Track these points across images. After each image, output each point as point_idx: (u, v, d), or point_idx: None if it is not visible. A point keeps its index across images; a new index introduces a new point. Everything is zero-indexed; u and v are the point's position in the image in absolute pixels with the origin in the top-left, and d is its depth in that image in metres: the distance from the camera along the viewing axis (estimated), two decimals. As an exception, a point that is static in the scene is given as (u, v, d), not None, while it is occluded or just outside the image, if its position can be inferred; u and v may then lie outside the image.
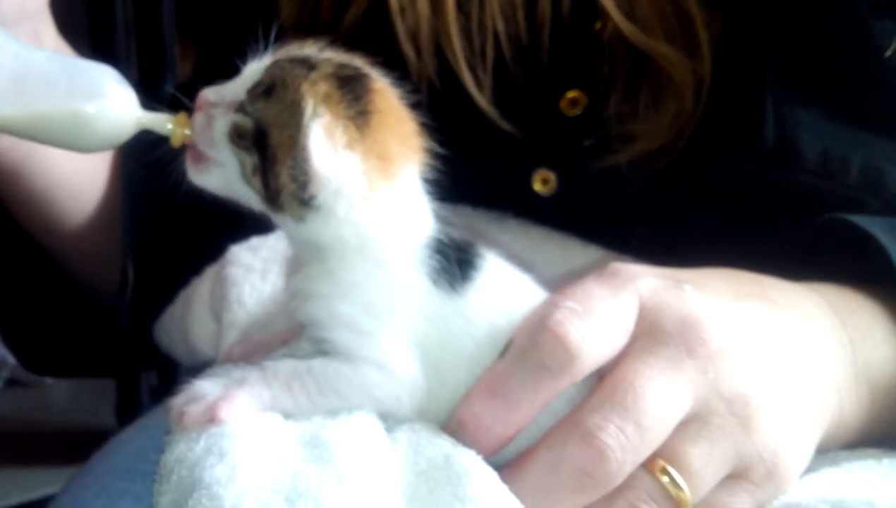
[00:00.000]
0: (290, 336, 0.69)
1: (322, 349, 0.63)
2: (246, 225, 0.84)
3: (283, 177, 0.60)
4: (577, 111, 0.89)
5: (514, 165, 0.91)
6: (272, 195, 0.61)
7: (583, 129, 0.88)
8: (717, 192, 0.85)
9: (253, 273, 0.83)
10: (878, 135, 0.84)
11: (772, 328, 0.67)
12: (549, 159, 0.91)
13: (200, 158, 0.64)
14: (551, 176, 0.90)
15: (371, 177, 0.61)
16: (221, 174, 0.64)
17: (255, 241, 0.87)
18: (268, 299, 0.81)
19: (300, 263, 0.66)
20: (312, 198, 0.60)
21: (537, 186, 0.91)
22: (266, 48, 0.64)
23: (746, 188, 0.85)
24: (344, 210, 0.61)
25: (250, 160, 0.62)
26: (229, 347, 0.74)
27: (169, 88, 1.08)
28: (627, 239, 0.87)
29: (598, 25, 0.89)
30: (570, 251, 0.87)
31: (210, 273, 0.90)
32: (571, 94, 0.90)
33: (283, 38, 0.65)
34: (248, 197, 0.63)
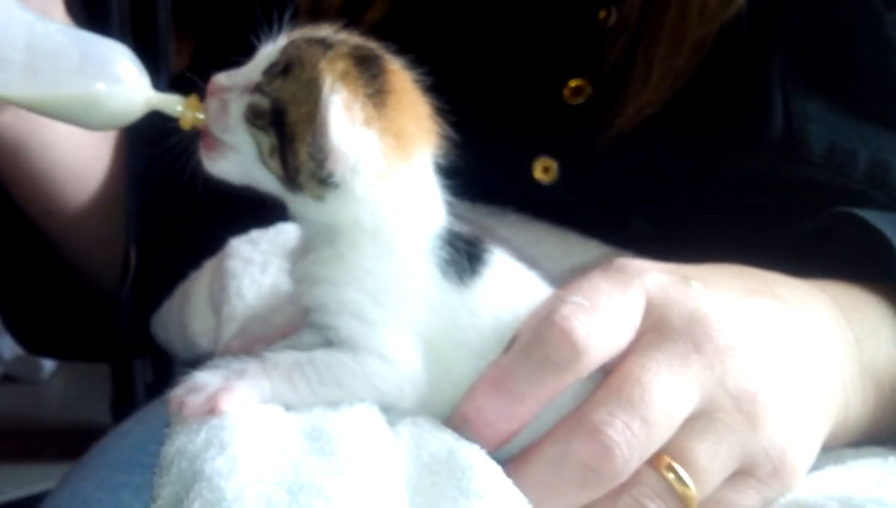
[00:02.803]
0: (289, 329, 0.68)
1: (325, 335, 0.63)
2: (245, 218, 0.83)
3: (302, 154, 0.60)
4: (580, 99, 0.89)
5: (515, 153, 0.90)
6: (291, 174, 0.61)
7: (586, 118, 0.87)
8: (722, 184, 0.85)
9: (252, 266, 0.83)
10: (886, 129, 0.83)
11: (778, 325, 0.66)
12: (550, 147, 0.90)
13: (214, 145, 0.64)
14: (553, 164, 0.90)
15: (387, 156, 0.61)
16: (236, 159, 0.63)
17: (255, 234, 0.87)
18: (267, 292, 0.81)
19: (309, 247, 0.65)
20: (330, 175, 0.60)
21: (538, 174, 0.90)
22: (279, 32, 0.64)
23: (751, 179, 0.84)
24: (361, 188, 0.61)
25: (268, 140, 0.61)
26: (228, 341, 0.73)
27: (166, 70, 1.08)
28: (627, 230, 0.87)
29: (602, 14, 0.88)
30: (570, 246, 0.86)
31: (209, 266, 0.90)
32: (574, 83, 0.89)
33: (293, 24, 0.65)
34: (265, 180, 0.63)
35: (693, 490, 0.60)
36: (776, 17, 0.84)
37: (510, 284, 0.65)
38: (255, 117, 0.62)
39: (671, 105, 0.85)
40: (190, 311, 0.89)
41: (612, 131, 0.86)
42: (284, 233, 0.85)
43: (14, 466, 2.34)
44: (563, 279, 0.66)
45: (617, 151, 0.87)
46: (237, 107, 0.62)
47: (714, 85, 0.85)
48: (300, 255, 0.66)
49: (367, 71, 0.61)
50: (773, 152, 0.83)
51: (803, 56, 0.83)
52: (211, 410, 0.59)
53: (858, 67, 0.84)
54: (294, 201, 0.64)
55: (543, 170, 0.90)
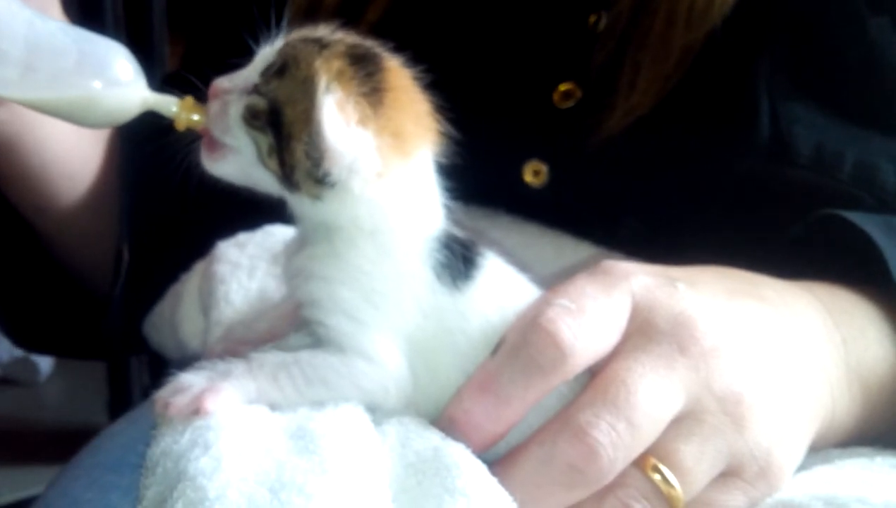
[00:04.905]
0: (273, 336, 0.68)
1: (315, 331, 0.63)
2: (234, 219, 0.84)
3: (298, 154, 0.61)
4: (570, 103, 0.89)
5: (505, 156, 0.91)
6: (288, 174, 0.61)
7: (575, 122, 0.88)
8: (711, 186, 0.85)
9: (240, 270, 0.83)
10: (873, 130, 0.84)
11: (765, 326, 0.67)
12: (540, 151, 0.90)
13: (215, 146, 0.64)
14: (543, 167, 0.90)
15: (385, 155, 0.61)
16: (237, 160, 0.64)
17: (242, 237, 0.87)
18: (255, 297, 0.81)
19: (305, 242, 0.66)
20: (327, 174, 0.61)
21: (528, 178, 0.91)
22: (276, 34, 0.64)
23: (740, 182, 0.84)
24: (359, 186, 0.61)
25: (266, 140, 0.62)
26: (212, 345, 0.73)
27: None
28: (617, 232, 0.87)
29: (592, 18, 0.89)
30: (561, 248, 0.87)
31: (199, 268, 0.90)
32: (564, 87, 0.90)
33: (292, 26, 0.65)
34: (265, 181, 0.63)
35: (679, 491, 0.60)
36: (763, 21, 0.84)
37: (501, 288, 0.65)
38: (252, 118, 0.62)
39: (659, 109, 0.85)
40: (181, 314, 0.89)
41: (601, 135, 0.86)
42: (272, 236, 0.85)
43: (11, 469, 2.34)
44: (555, 281, 0.66)
45: (606, 155, 0.87)
46: (236, 108, 0.63)
47: (702, 88, 0.85)
48: (296, 250, 0.66)
49: (364, 69, 0.61)
50: (761, 154, 0.83)
51: (790, 59, 0.84)
52: (196, 411, 0.59)
53: (844, 70, 0.84)
54: (293, 201, 0.64)
55: (534, 174, 0.91)
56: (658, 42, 0.84)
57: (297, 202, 0.64)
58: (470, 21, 0.95)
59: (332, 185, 0.61)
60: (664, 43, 0.83)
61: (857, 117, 0.84)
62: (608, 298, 0.63)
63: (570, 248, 0.87)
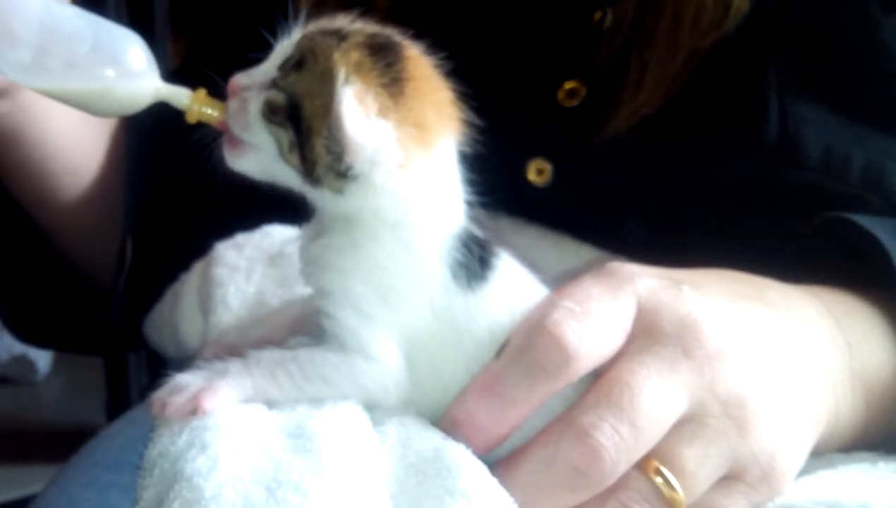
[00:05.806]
0: (268, 343, 0.68)
1: (320, 322, 0.63)
2: (233, 219, 0.83)
3: (319, 148, 0.60)
4: (575, 102, 0.89)
5: (509, 154, 0.90)
6: (310, 169, 0.61)
7: (580, 120, 0.87)
8: (717, 187, 0.84)
9: (238, 273, 0.83)
10: (882, 132, 0.83)
11: (769, 330, 0.66)
12: (545, 149, 0.90)
13: (237, 143, 0.63)
14: (547, 166, 0.90)
15: (407, 146, 0.60)
16: (258, 157, 0.63)
17: (240, 238, 0.86)
18: (252, 300, 0.80)
19: (323, 230, 0.65)
20: (349, 168, 0.60)
21: (532, 176, 0.90)
22: (293, 26, 0.63)
23: (746, 184, 0.84)
24: (381, 178, 0.60)
25: (286, 136, 0.61)
26: (204, 349, 0.73)
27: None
28: (620, 234, 0.86)
29: (597, 15, 0.88)
30: (563, 250, 0.86)
31: (197, 269, 0.89)
32: (569, 85, 0.89)
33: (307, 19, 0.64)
34: (287, 176, 0.63)
35: (681, 494, 0.60)
36: (773, 21, 0.83)
37: (512, 290, 0.65)
38: (271, 113, 0.61)
39: (666, 108, 0.84)
40: (180, 314, 0.89)
41: (606, 133, 0.85)
42: (270, 237, 0.85)
43: (8, 467, 2.34)
44: (557, 283, 0.65)
45: (611, 154, 0.87)
46: (255, 105, 0.62)
47: (710, 88, 0.84)
48: (313, 236, 0.65)
49: (383, 60, 0.60)
50: (769, 156, 0.83)
51: (800, 60, 0.83)
52: (193, 410, 0.59)
53: (854, 71, 0.84)
54: (315, 195, 0.63)
55: (537, 172, 0.90)
56: (664, 41, 0.83)
57: (320, 196, 0.63)
58: (473, 17, 0.95)
59: (354, 179, 0.60)
60: (671, 42, 0.83)
61: (867, 119, 0.83)
62: (613, 300, 0.62)
63: (572, 251, 0.87)
